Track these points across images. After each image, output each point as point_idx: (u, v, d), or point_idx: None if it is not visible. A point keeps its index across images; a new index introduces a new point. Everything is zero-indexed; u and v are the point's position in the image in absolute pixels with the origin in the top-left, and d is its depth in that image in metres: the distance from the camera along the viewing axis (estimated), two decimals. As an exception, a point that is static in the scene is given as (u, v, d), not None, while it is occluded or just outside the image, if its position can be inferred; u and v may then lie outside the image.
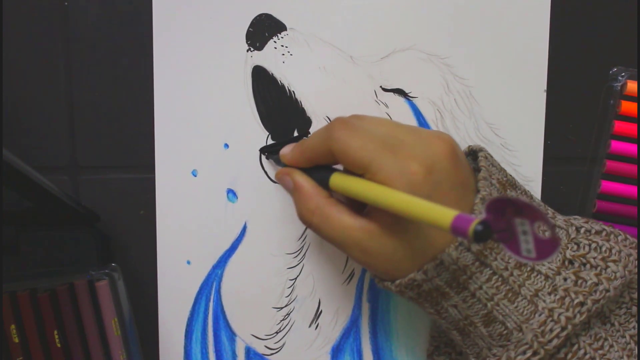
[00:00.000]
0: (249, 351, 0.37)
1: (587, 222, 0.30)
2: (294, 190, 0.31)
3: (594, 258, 0.29)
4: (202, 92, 0.36)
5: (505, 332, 0.28)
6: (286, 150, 0.32)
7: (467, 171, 0.28)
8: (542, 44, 0.35)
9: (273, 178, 0.36)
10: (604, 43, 0.36)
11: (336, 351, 0.37)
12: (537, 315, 0.27)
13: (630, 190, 0.36)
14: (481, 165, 0.29)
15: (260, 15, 0.35)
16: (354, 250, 0.28)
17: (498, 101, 0.36)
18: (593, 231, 0.30)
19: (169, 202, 0.36)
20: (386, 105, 0.36)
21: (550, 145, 0.36)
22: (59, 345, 0.33)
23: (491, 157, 0.31)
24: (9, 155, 0.28)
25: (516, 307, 0.28)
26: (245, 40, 0.35)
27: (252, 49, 0.35)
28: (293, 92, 0.36)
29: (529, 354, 0.27)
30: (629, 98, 0.36)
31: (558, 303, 0.27)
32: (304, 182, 0.30)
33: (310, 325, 0.37)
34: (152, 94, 0.36)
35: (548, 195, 0.36)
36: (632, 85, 0.35)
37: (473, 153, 0.32)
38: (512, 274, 0.27)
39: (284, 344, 0.37)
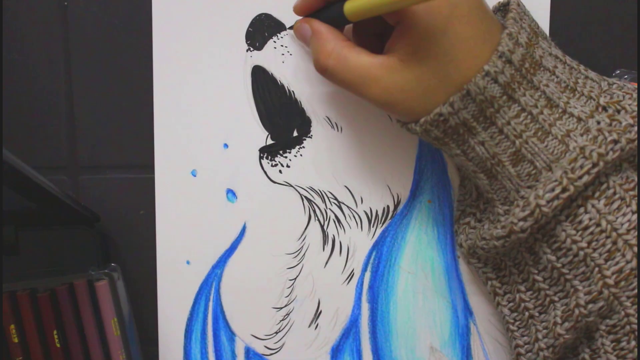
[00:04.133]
0: (248, 351, 0.37)
1: (619, 81, 0.30)
2: (311, 37, 0.30)
3: (629, 105, 0.28)
4: (201, 92, 0.36)
5: (534, 171, 0.28)
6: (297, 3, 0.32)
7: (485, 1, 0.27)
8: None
9: (273, 178, 0.36)
10: (607, 45, 0.36)
11: (336, 351, 0.37)
12: (567, 154, 0.27)
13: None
14: (512, 8, 0.28)
15: (260, 15, 0.35)
16: (375, 88, 0.27)
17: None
18: (625, 88, 0.29)
19: (168, 202, 0.36)
20: (386, 105, 0.36)
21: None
22: (58, 345, 0.33)
23: (524, 6, 0.30)
24: (9, 155, 0.28)
25: (546, 146, 0.27)
26: (244, 40, 0.35)
27: (251, 49, 0.35)
28: (293, 92, 0.36)
29: (557, 190, 0.27)
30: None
31: (590, 141, 0.27)
32: (321, 26, 0.30)
33: (309, 326, 0.37)
34: (152, 94, 0.36)
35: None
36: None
37: (503, 8, 0.31)
38: (542, 112, 0.27)
39: (283, 344, 0.37)
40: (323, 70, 0.29)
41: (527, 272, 0.31)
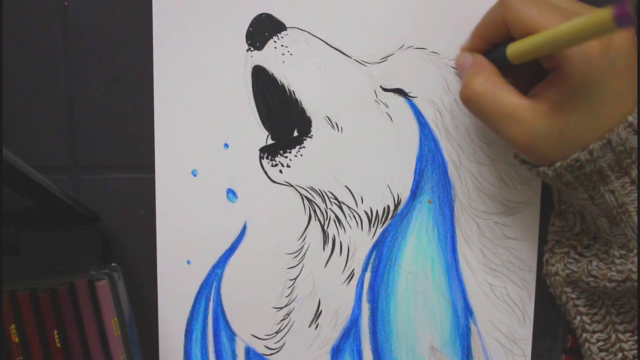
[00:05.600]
0: (248, 351, 0.37)
1: None
2: (469, 65, 0.30)
3: None
4: (202, 92, 0.36)
5: None
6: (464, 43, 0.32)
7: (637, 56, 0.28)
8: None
9: (273, 178, 0.36)
10: None
11: (336, 351, 0.37)
12: None
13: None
14: None
15: (260, 15, 0.35)
16: (517, 129, 0.27)
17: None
18: None
19: (169, 202, 0.36)
20: (386, 105, 0.36)
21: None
22: (58, 345, 0.33)
23: None
24: (10, 154, 0.28)
25: None
26: (245, 40, 0.35)
27: (252, 49, 0.35)
28: (293, 92, 0.36)
29: None
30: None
31: None
32: (482, 59, 0.30)
33: (310, 325, 0.37)
34: (152, 94, 0.36)
35: (548, 194, 0.36)
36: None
37: None
38: None
39: (283, 344, 0.37)
40: (468, 96, 0.29)
41: (632, 315, 0.31)
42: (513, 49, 0.28)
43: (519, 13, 0.27)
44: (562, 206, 0.34)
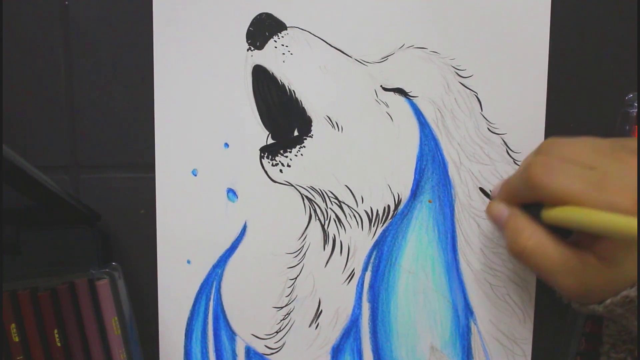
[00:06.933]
0: (249, 351, 0.37)
1: None
2: (509, 219, 0.31)
3: None
4: (202, 91, 0.36)
5: None
6: (495, 192, 0.33)
7: None
8: (543, 47, 0.35)
9: (273, 177, 0.36)
10: (621, 69, 0.35)
11: (336, 351, 0.37)
12: None
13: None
14: None
15: (260, 15, 0.35)
16: (570, 280, 0.28)
17: (498, 100, 0.36)
18: None
19: (169, 202, 0.36)
20: (386, 105, 0.36)
21: (551, 144, 0.36)
22: (59, 344, 0.33)
23: None
24: (10, 152, 0.28)
25: None
26: (245, 40, 0.35)
27: (252, 49, 0.35)
28: (293, 91, 0.36)
29: None
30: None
31: None
32: (519, 212, 0.30)
33: (310, 325, 0.37)
34: (152, 94, 0.36)
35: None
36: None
37: None
38: None
39: (284, 344, 0.37)
40: (520, 250, 0.29)
41: None
42: (549, 218, 0.28)
43: (546, 191, 0.27)
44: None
